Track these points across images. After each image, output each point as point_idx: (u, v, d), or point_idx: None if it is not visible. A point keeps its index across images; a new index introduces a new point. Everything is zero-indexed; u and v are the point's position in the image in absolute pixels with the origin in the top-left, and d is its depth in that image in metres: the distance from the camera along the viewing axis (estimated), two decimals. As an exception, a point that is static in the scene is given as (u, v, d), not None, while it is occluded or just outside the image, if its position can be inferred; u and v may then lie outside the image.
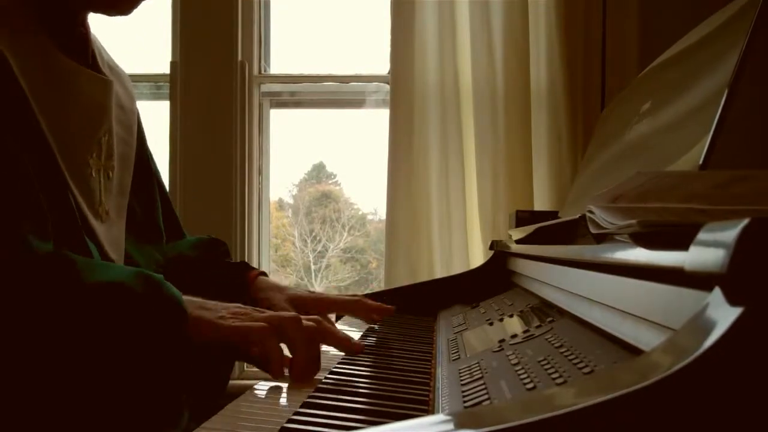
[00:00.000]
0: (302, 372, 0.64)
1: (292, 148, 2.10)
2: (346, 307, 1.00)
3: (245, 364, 1.69)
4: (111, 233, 0.81)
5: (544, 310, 0.73)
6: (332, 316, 1.03)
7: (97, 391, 0.62)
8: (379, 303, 0.99)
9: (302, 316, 0.69)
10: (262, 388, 0.61)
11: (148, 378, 0.63)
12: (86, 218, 0.77)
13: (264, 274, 1.01)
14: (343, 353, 0.74)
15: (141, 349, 0.62)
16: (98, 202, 0.80)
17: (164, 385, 0.65)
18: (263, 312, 0.69)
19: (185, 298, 0.67)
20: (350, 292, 1.90)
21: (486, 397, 0.50)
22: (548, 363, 0.51)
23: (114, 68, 0.92)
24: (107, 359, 0.61)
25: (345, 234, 2.18)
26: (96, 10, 0.82)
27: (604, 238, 0.55)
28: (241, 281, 0.97)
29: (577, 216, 0.65)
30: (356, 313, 1.00)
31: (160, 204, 0.99)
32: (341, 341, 0.73)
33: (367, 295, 1.17)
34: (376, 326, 0.98)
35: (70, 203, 0.74)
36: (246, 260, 1.82)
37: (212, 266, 1.01)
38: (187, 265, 0.98)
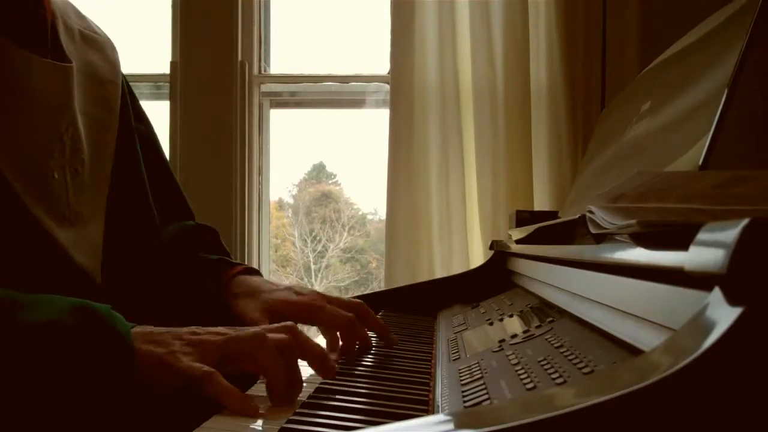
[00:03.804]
0: (279, 395, 0.56)
1: (292, 148, 2.10)
2: (332, 323, 0.77)
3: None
4: (82, 236, 0.73)
5: (544, 310, 0.73)
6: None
7: None
8: (377, 324, 0.81)
9: (269, 328, 0.61)
10: (262, 388, 0.61)
11: (102, 420, 0.56)
12: (45, 230, 0.68)
13: (250, 271, 0.86)
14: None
15: (86, 392, 0.54)
16: (64, 205, 0.71)
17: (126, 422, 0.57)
18: (220, 334, 0.59)
19: (136, 331, 0.58)
20: (351, 294, 1.87)
21: (486, 397, 0.50)
22: (548, 363, 0.51)
23: (89, 36, 0.81)
24: (51, 406, 0.54)
25: (345, 234, 2.18)
26: None
27: (604, 238, 0.55)
28: (215, 285, 0.83)
29: (577, 216, 0.65)
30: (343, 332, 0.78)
31: (148, 181, 0.87)
32: (315, 357, 0.62)
33: (366, 296, 1.17)
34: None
35: (23, 217, 0.67)
36: (246, 260, 1.82)
37: (185, 264, 0.86)
38: (161, 261, 0.85)
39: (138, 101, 0.92)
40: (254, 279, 0.84)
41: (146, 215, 0.86)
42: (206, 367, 0.55)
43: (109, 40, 0.86)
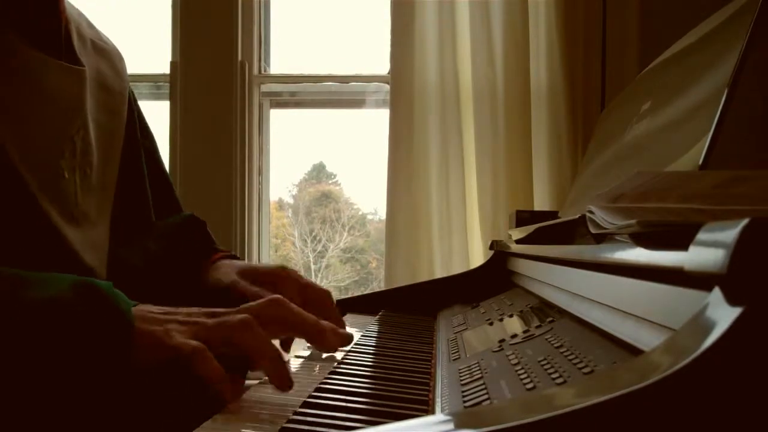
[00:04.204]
0: (275, 377, 0.57)
1: (292, 148, 2.10)
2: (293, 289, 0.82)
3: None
4: (89, 236, 0.75)
5: (544, 310, 0.73)
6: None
7: (46, 415, 0.56)
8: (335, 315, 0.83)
9: (256, 308, 0.62)
10: (262, 387, 0.61)
11: (102, 397, 0.57)
12: (55, 227, 0.70)
13: (231, 257, 0.91)
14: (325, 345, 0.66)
15: (84, 367, 0.55)
16: (73, 204, 0.73)
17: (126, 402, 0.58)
18: (215, 316, 0.61)
19: (136, 309, 0.59)
20: (351, 294, 1.88)
21: (486, 397, 0.50)
22: (548, 363, 0.51)
23: (99, 45, 0.84)
24: (50, 381, 0.55)
25: (345, 234, 2.18)
26: None
27: (604, 238, 0.55)
28: (196, 269, 0.88)
29: (577, 216, 0.65)
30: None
31: (150, 191, 0.90)
32: (310, 327, 0.64)
33: (366, 296, 1.17)
34: (375, 326, 0.98)
35: (35, 214, 0.68)
36: (246, 260, 1.82)
37: (174, 253, 0.90)
38: (156, 250, 0.88)
39: (142, 113, 0.94)
40: (232, 261, 0.90)
41: (147, 222, 0.88)
42: (195, 343, 0.56)
43: (117, 50, 0.88)
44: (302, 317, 0.65)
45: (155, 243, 0.89)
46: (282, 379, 0.57)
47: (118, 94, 0.84)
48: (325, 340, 0.66)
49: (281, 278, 0.82)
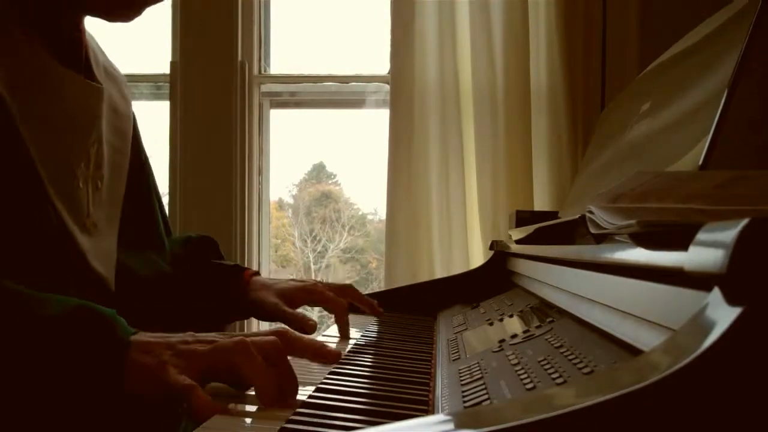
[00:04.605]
0: (268, 401, 0.56)
1: (292, 148, 2.10)
2: (333, 301, 0.96)
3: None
4: (99, 246, 0.77)
5: (544, 310, 0.73)
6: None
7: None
8: (368, 299, 1.00)
9: (255, 338, 0.61)
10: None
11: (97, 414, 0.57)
12: (70, 233, 0.72)
13: (257, 273, 1.01)
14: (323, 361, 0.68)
15: (77, 389, 0.56)
16: (85, 215, 0.76)
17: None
18: (209, 342, 0.60)
19: (133, 338, 0.59)
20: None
21: (486, 397, 0.50)
22: (548, 363, 0.51)
23: (110, 71, 0.89)
24: (42, 398, 0.56)
25: (345, 234, 2.18)
26: (96, 15, 0.78)
27: (603, 238, 0.55)
28: (238, 283, 0.97)
29: (577, 216, 0.65)
30: (348, 299, 0.98)
31: (158, 210, 0.96)
32: (307, 349, 0.66)
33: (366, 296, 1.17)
34: (375, 326, 0.98)
35: (52, 219, 0.70)
36: (246, 260, 1.82)
37: (206, 267, 1.00)
38: (179, 264, 0.95)
39: (142, 142, 0.98)
40: (265, 278, 1.01)
41: (153, 235, 0.93)
42: (188, 381, 0.56)
43: (123, 77, 0.93)
44: (299, 344, 0.66)
45: (180, 257, 0.97)
46: (271, 400, 0.56)
47: (126, 117, 0.89)
48: (323, 355, 0.68)
49: (314, 293, 0.95)
